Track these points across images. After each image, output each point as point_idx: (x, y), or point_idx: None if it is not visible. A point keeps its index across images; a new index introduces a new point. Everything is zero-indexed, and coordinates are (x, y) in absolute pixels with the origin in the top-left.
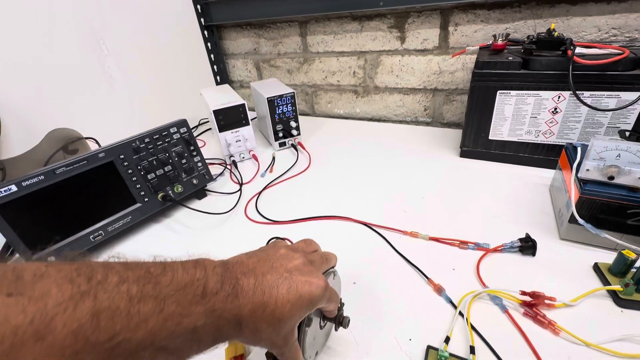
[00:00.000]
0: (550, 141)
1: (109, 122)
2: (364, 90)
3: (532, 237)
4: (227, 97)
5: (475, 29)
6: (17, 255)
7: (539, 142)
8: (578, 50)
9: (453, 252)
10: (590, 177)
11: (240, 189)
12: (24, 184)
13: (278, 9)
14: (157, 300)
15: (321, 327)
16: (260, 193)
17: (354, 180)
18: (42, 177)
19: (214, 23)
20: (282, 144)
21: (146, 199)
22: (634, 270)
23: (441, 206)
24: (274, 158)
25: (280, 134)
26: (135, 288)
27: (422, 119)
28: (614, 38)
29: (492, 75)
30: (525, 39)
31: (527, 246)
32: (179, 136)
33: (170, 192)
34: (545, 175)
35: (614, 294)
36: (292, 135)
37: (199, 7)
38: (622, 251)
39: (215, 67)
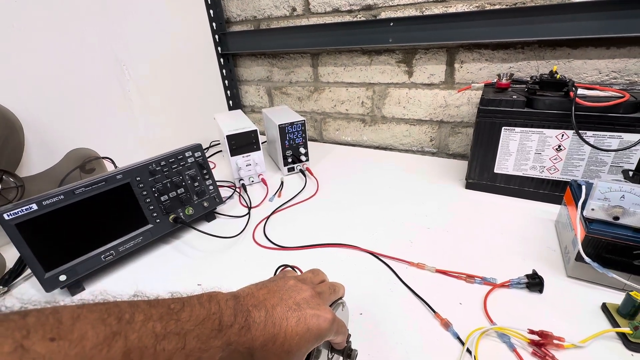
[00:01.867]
0: (554, 177)
1: (124, 143)
2: (372, 120)
3: (539, 272)
4: (240, 122)
5: (480, 67)
6: (27, 271)
7: (543, 177)
8: (580, 91)
9: (460, 285)
10: (595, 217)
11: (248, 212)
12: (44, 202)
13: (292, 42)
14: (179, 337)
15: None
16: (268, 218)
17: (361, 207)
18: (62, 196)
19: (230, 52)
20: (290, 169)
21: (158, 220)
22: None
23: (447, 238)
24: (282, 183)
25: (290, 160)
26: (160, 326)
27: (427, 149)
28: (614, 80)
29: (497, 112)
30: (529, 79)
31: (535, 283)
32: (193, 160)
33: (181, 214)
34: (551, 210)
35: (623, 337)
36: (301, 161)
37: (216, 36)
38: (630, 292)
39: (228, 92)
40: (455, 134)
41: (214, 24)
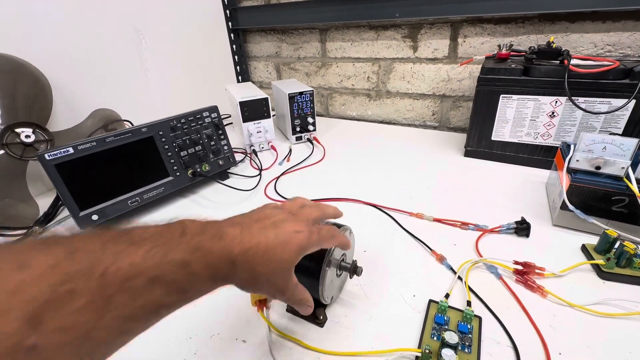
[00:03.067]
0: (547, 143)
1: (143, 108)
2: (377, 94)
3: (529, 222)
4: (251, 91)
5: (482, 41)
6: (60, 215)
7: (537, 143)
8: (574, 61)
9: (455, 231)
10: (579, 167)
11: (260, 174)
12: (79, 147)
13: (300, 17)
14: (131, 243)
15: (337, 276)
16: (278, 178)
17: (365, 171)
18: (95, 143)
19: (240, 27)
20: (298, 138)
21: (178, 174)
22: (616, 248)
23: (445, 195)
24: (290, 150)
25: (298, 129)
26: (108, 237)
27: (429, 123)
28: (609, 53)
29: (496, 81)
30: (527, 50)
31: (522, 228)
32: (210, 120)
33: (198, 169)
34: (543, 174)
35: (597, 268)
36: (309, 131)
37: (227, 12)
38: (607, 231)
39: (238, 67)
40: (457, 108)
41: None
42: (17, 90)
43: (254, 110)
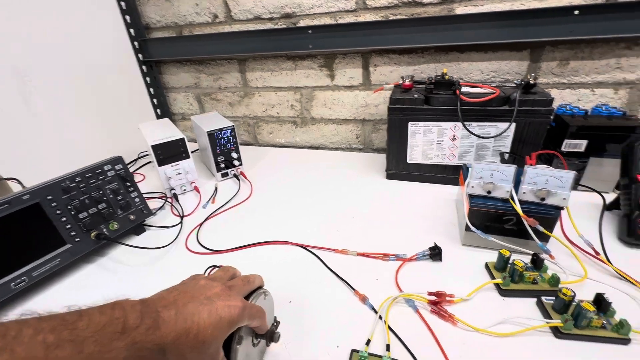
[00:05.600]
0: (453, 163)
1: (35, 161)
2: (302, 121)
3: (440, 245)
4: (166, 131)
5: (390, 70)
6: None
7: (445, 163)
8: (465, 89)
9: (377, 264)
10: (475, 192)
11: (180, 222)
12: None
13: (217, 48)
14: (75, 344)
15: (254, 345)
16: (201, 224)
17: (293, 205)
18: None
19: (152, 59)
20: (224, 175)
21: (77, 239)
22: (510, 264)
23: (368, 224)
24: (216, 189)
25: (222, 165)
26: (52, 337)
27: (355, 146)
28: (493, 79)
29: (403, 110)
30: (427, 80)
31: (435, 253)
32: (114, 173)
33: (104, 230)
34: (453, 191)
35: (497, 286)
36: (234, 166)
37: (136, 43)
38: (500, 251)
39: (154, 100)
40: (377, 131)
41: (131, 31)
42: None
43: (170, 152)
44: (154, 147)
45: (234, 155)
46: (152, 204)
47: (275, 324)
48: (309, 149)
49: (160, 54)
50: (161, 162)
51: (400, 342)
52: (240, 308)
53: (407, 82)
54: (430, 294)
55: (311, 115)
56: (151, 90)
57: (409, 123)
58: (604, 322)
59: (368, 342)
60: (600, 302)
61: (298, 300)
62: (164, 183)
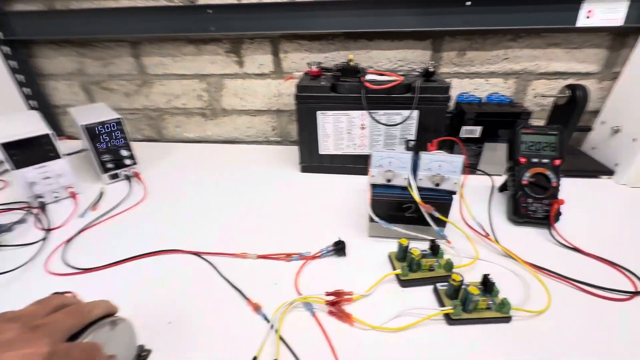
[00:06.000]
0: (365, 152)
1: None
2: (212, 113)
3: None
4: (27, 126)
5: (302, 57)
6: None
7: (357, 153)
8: (371, 77)
9: (279, 266)
10: (376, 182)
11: (45, 237)
12: None
13: (102, 27)
14: None
15: None
16: (71, 239)
17: (194, 208)
18: None
19: (18, 38)
20: (114, 176)
21: None
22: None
23: (275, 223)
24: (101, 194)
25: (110, 165)
26: None
27: (272, 139)
28: (401, 67)
29: (310, 98)
30: (334, 68)
31: (339, 248)
32: None
33: None
34: (365, 181)
35: (397, 277)
36: (126, 165)
37: None
38: (399, 240)
39: (25, 90)
40: (293, 122)
41: None
42: None
43: (31, 152)
44: (5, 146)
45: (124, 152)
46: (9, 217)
47: (142, 354)
48: (223, 143)
49: (28, 33)
50: (19, 164)
51: (291, 354)
52: (43, 356)
53: (314, 68)
54: (328, 294)
55: (221, 106)
56: (17, 77)
57: (318, 112)
58: (490, 302)
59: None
60: (486, 284)
61: (181, 319)
62: (25, 190)
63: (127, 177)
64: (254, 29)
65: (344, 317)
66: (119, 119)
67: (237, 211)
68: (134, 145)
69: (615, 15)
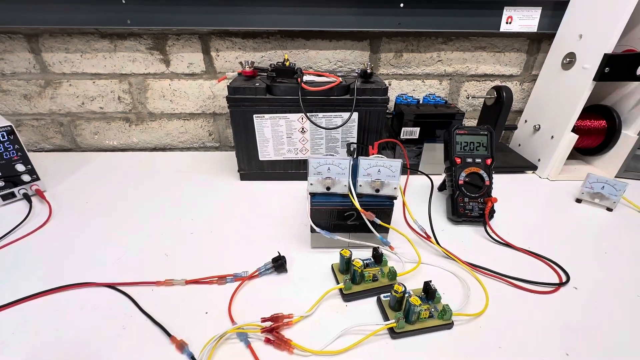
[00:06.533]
0: (307, 157)
1: None
2: (138, 118)
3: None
4: None
5: (235, 56)
6: None
7: (299, 158)
8: (309, 78)
9: (211, 291)
10: (315, 190)
11: None
12: None
13: None
14: None
15: None
16: None
17: (110, 228)
18: None
19: None
20: (7, 197)
21: None
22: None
23: (209, 239)
24: None
25: (1, 183)
26: None
27: (210, 144)
28: (340, 68)
29: (244, 100)
30: (269, 68)
31: (279, 265)
32: None
33: None
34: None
35: (340, 292)
36: (24, 182)
37: None
38: (340, 251)
39: None
40: None
41: None
42: None
43: None
44: None
45: (20, 167)
46: None
47: None
48: (153, 151)
49: None
50: None
51: None
52: None
53: (247, 69)
54: (264, 319)
55: (148, 109)
56: None
57: (254, 115)
58: (432, 310)
59: None
60: (428, 291)
61: None
62: None
63: (26, 197)
64: (178, 23)
65: (283, 344)
66: (9, 126)
67: (163, 230)
68: (40, 157)
69: (530, 22)
